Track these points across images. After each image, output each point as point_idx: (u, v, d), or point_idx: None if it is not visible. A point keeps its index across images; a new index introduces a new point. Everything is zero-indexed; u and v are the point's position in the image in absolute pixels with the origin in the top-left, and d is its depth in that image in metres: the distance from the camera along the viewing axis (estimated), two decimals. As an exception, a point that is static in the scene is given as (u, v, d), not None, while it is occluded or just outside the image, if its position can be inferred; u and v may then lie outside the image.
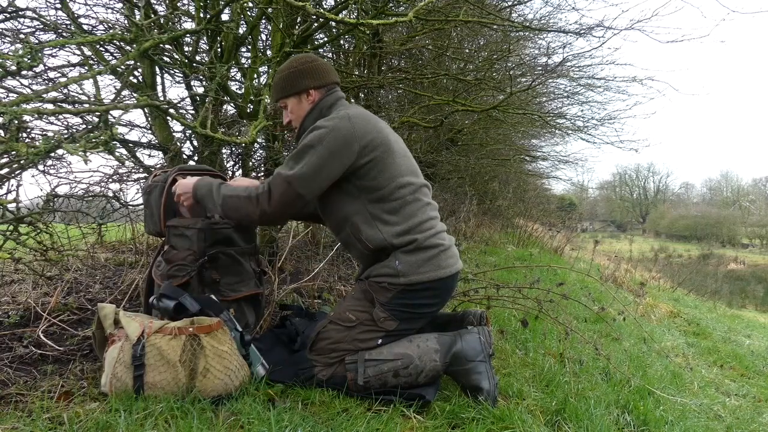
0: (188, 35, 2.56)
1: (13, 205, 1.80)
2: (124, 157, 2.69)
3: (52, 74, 2.48)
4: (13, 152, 1.25)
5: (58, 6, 2.40)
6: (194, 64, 2.60)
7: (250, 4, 2.75)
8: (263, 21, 2.95)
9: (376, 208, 1.71)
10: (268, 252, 2.78)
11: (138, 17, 1.94)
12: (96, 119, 1.43)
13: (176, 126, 2.76)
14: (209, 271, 1.88)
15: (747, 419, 2.36)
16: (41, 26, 2.45)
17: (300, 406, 1.58)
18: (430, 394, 1.67)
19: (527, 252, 7.43)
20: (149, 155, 2.95)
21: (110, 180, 2.75)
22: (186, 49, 2.62)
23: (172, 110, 2.18)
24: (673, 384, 2.58)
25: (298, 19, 3.08)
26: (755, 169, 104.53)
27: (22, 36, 2.32)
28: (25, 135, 1.83)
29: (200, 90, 2.82)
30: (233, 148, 2.88)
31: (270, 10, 2.69)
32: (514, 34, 5.00)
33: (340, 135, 1.67)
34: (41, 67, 2.31)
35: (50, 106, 1.28)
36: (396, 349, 1.70)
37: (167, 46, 2.56)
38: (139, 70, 2.60)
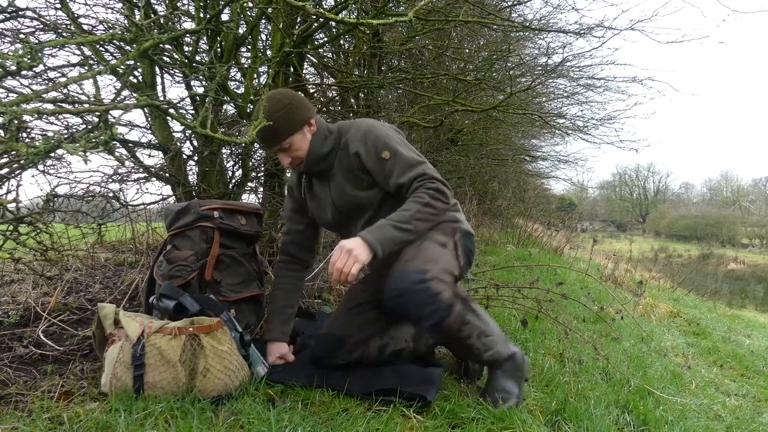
0: (188, 35, 2.56)
1: (13, 205, 1.80)
2: (124, 157, 2.68)
3: (52, 74, 2.48)
4: (13, 152, 1.25)
5: (58, 6, 2.40)
6: (194, 64, 2.59)
7: (250, 4, 2.75)
8: (263, 21, 2.95)
9: None
10: (269, 253, 2.78)
11: (138, 17, 1.94)
12: (96, 119, 1.43)
13: (176, 126, 2.76)
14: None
15: (747, 419, 2.36)
16: (41, 26, 2.45)
17: (300, 406, 1.58)
18: (431, 394, 1.68)
19: (527, 252, 7.44)
20: (149, 155, 2.94)
21: (110, 180, 2.74)
22: (186, 49, 2.61)
23: (172, 110, 2.18)
24: (672, 384, 2.58)
25: (298, 19, 3.08)
26: (755, 169, 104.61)
27: (22, 36, 2.32)
28: (25, 135, 1.83)
29: (200, 90, 2.82)
30: (233, 148, 2.87)
31: (270, 10, 2.69)
32: (514, 34, 5.00)
33: (386, 127, 1.80)
34: (41, 67, 2.31)
35: (50, 106, 1.28)
36: None
37: (167, 46, 2.56)
38: (139, 70, 2.60)
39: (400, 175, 1.70)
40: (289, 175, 2.02)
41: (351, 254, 1.55)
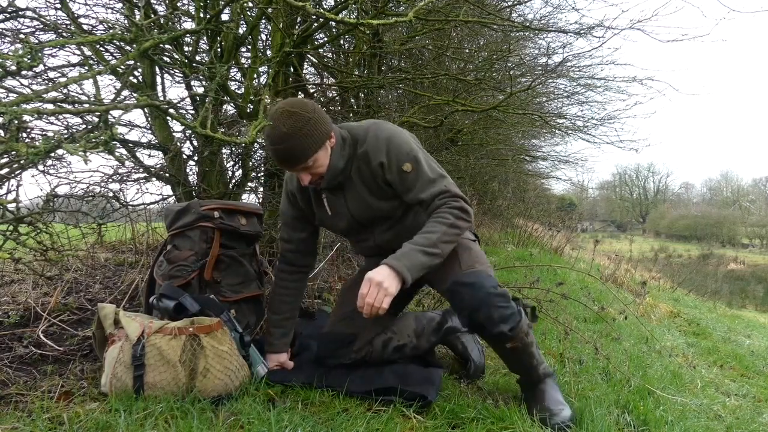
0: (188, 35, 2.56)
1: (13, 205, 1.80)
2: (124, 157, 2.69)
3: (52, 74, 2.48)
4: (13, 152, 1.25)
5: (58, 6, 2.40)
6: (194, 64, 2.59)
7: (250, 4, 2.75)
8: (263, 21, 2.95)
9: None
10: (269, 253, 2.78)
11: (138, 17, 1.94)
12: (96, 119, 1.42)
13: (176, 126, 2.76)
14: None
15: (747, 419, 2.36)
16: (41, 26, 2.45)
17: (300, 406, 1.58)
18: (432, 394, 1.68)
19: (527, 252, 7.43)
20: (149, 155, 2.94)
21: (110, 180, 2.74)
22: (186, 49, 2.61)
23: (172, 110, 2.18)
24: (673, 384, 2.58)
25: (298, 19, 3.08)
26: (755, 169, 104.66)
27: (22, 36, 2.32)
28: (25, 135, 1.83)
29: (200, 90, 2.82)
30: (233, 148, 2.87)
31: (270, 10, 2.69)
32: (514, 34, 5.00)
33: (405, 134, 1.73)
34: (41, 67, 2.31)
35: (50, 106, 1.28)
36: None
37: (167, 46, 2.56)
38: (139, 70, 2.60)
39: (421, 191, 1.66)
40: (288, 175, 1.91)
41: (381, 287, 1.50)
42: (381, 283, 1.50)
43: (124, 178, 2.82)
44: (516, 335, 1.65)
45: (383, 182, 1.70)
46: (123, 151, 2.67)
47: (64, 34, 2.47)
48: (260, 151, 3.11)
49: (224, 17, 2.61)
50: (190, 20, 2.80)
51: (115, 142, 1.20)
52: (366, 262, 2.07)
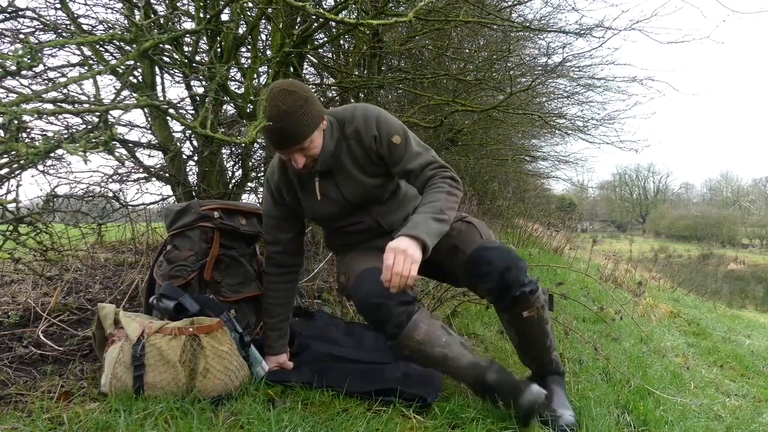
0: (188, 35, 2.57)
1: (13, 205, 1.80)
2: (124, 157, 2.69)
3: (52, 74, 2.49)
4: (13, 152, 1.25)
5: (58, 6, 2.40)
6: (194, 64, 2.60)
7: (250, 4, 2.75)
8: (263, 21, 2.95)
9: None
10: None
11: (138, 17, 1.94)
12: (96, 119, 1.42)
13: (176, 126, 2.77)
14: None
15: (747, 419, 2.36)
16: (41, 26, 2.46)
17: (300, 406, 1.58)
18: (431, 395, 1.68)
19: (527, 252, 7.43)
20: (149, 155, 2.95)
21: (110, 180, 2.75)
22: (186, 49, 2.62)
23: (171, 110, 2.18)
24: (672, 384, 2.58)
25: (298, 19, 3.08)
26: (755, 169, 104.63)
27: (22, 36, 2.32)
28: (25, 135, 1.83)
29: (200, 90, 2.82)
30: (233, 148, 2.88)
31: (270, 10, 2.69)
32: (514, 35, 5.00)
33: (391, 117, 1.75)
34: (41, 67, 2.31)
35: (50, 106, 1.28)
36: None
37: (167, 46, 2.57)
38: (139, 70, 2.60)
39: (408, 161, 1.67)
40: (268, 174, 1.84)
41: (407, 255, 1.44)
42: (406, 251, 1.44)
43: (124, 178, 2.82)
44: (535, 301, 1.67)
45: (376, 156, 1.70)
46: (123, 151, 2.68)
47: (64, 34, 2.47)
48: (260, 151, 3.11)
49: (224, 17, 2.61)
50: (190, 20, 2.81)
51: (115, 142, 1.20)
52: (355, 253, 1.84)
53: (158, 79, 2.76)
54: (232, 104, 2.87)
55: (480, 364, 1.60)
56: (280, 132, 1.54)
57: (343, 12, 3.14)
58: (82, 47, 2.43)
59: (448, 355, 1.59)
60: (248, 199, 3.21)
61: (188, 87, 2.82)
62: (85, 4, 2.69)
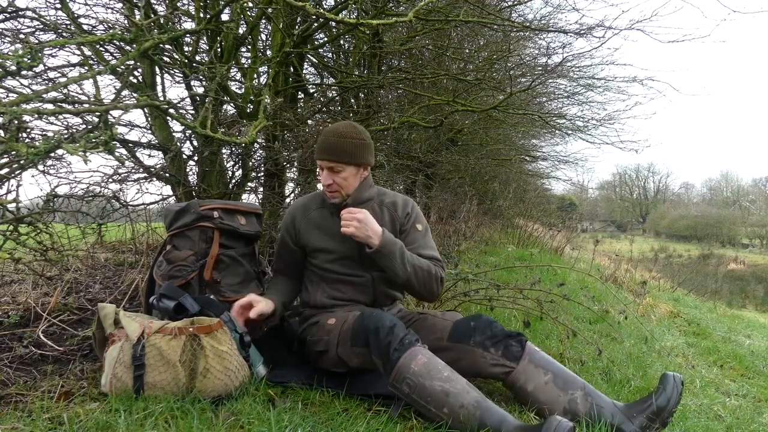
0: (188, 35, 2.56)
1: (13, 205, 1.80)
2: (124, 157, 2.68)
3: (52, 74, 2.49)
4: (13, 152, 1.25)
5: (58, 6, 2.40)
6: (194, 64, 2.59)
7: (250, 4, 2.75)
8: (263, 21, 2.95)
9: None
10: (268, 253, 2.78)
11: (138, 17, 1.94)
12: (96, 119, 1.42)
13: (176, 126, 2.76)
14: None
15: (747, 419, 2.36)
16: (41, 26, 2.46)
17: (300, 406, 1.58)
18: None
19: (527, 252, 7.43)
20: (149, 155, 2.94)
21: (110, 180, 2.74)
22: (186, 49, 2.61)
23: (172, 110, 2.18)
24: (673, 384, 2.57)
25: (298, 19, 3.09)
26: (755, 169, 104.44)
27: (22, 36, 2.33)
28: (25, 135, 1.83)
29: (200, 90, 2.82)
30: (233, 148, 2.87)
31: (270, 10, 2.69)
32: (514, 34, 4.99)
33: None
34: (41, 67, 2.31)
35: (50, 106, 1.28)
36: None
37: (167, 46, 2.56)
38: (139, 70, 2.60)
39: (421, 248, 1.90)
40: (293, 198, 2.01)
41: (365, 215, 1.76)
42: (367, 218, 1.76)
43: (124, 178, 2.81)
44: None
45: (399, 229, 1.94)
46: (123, 151, 2.67)
47: (64, 34, 2.47)
48: (260, 151, 3.11)
49: (224, 17, 2.61)
50: (190, 20, 2.81)
51: (115, 142, 1.20)
52: (334, 315, 1.86)
53: (158, 79, 2.76)
54: (232, 104, 2.87)
55: (495, 415, 1.45)
56: (331, 144, 1.82)
57: (343, 12, 3.14)
58: (82, 47, 2.43)
59: (450, 390, 1.49)
60: (248, 199, 3.21)
61: (188, 87, 2.82)
62: (85, 4, 2.69)
